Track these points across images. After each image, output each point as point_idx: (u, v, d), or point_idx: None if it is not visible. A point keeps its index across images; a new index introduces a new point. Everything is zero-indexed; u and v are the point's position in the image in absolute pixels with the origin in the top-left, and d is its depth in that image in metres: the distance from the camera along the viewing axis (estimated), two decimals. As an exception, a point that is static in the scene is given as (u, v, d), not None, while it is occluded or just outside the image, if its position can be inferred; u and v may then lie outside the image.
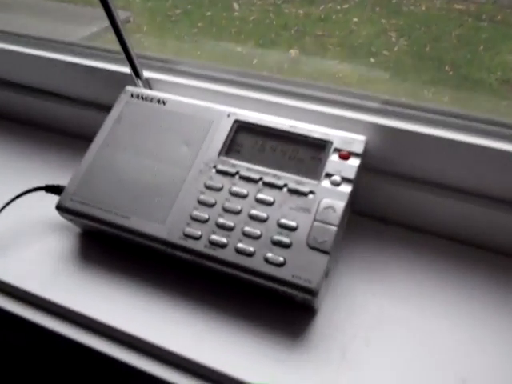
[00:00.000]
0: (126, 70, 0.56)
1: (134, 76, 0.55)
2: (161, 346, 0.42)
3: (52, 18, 0.91)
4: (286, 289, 0.40)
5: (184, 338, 0.42)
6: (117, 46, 0.52)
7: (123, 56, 0.53)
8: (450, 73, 0.69)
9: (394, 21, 0.79)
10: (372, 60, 0.77)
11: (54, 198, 0.51)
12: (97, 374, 0.52)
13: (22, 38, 0.65)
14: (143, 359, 0.43)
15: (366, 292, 0.45)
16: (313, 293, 0.39)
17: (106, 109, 0.58)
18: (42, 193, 0.52)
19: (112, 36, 0.52)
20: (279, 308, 0.43)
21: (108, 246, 0.50)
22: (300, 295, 0.40)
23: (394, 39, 0.77)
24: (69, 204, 0.47)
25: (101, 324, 0.44)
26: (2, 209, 0.50)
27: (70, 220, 0.49)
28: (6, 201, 0.51)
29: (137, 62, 0.54)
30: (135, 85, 0.56)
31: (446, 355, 0.40)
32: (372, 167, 0.49)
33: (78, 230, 0.52)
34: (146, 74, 0.56)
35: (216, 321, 0.43)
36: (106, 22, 0.51)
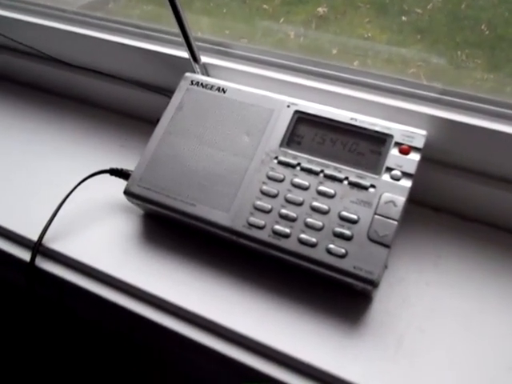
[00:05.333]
0: (182, 54, 0.57)
1: (192, 61, 0.56)
2: (223, 325, 0.45)
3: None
4: (347, 279, 0.42)
5: (246, 319, 0.45)
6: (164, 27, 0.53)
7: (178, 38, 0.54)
8: (486, 32, 0.67)
9: (430, -25, 0.76)
10: (404, 18, 0.75)
11: (117, 180, 0.54)
12: (156, 346, 0.56)
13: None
14: (207, 336, 0.46)
15: (419, 281, 0.47)
16: (374, 284, 0.41)
17: (162, 90, 0.60)
18: (107, 175, 0.55)
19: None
20: (336, 294, 0.46)
21: (169, 228, 0.52)
22: (361, 285, 0.42)
23: (428, -4, 0.75)
24: (136, 189, 0.50)
25: (162, 300, 0.47)
26: (71, 191, 0.53)
27: (137, 204, 0.52)
28: (72, 183, 0.53)
29: (195, 46, 0.55)
30: (192, 69, 0.57)
31: (499, 344, 0.42)
32: (428, 157, 0.50)
33: (140, 211, 0.55)
34: (203, 59, 0.57)
35: (276, 304, 0.46)
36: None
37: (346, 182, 0.45)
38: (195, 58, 0.56)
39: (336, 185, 0.45)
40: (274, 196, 0.46)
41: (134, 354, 0.64)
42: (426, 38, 0.69)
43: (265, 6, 0.89)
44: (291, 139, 0.48)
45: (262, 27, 0.81)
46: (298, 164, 0.47)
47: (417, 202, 0.53)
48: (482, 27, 0.66)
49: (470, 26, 0.67)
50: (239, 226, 0.46)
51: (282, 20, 0.83)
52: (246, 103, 0.51)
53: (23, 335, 0.72)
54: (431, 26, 0.71)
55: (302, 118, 0.49)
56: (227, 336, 0.45)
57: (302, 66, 0.55)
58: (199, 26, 0.61)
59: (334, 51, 0.68)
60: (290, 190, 0.46)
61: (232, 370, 0.45)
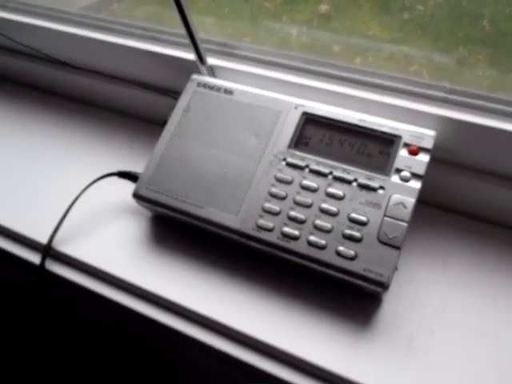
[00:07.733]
0: (188, 55, 0.57)
1: (198, 62, 0.56)
2: (233, 327, 0.45)
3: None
4: (357, 281, 0.42)
5: (255, 321, 0.45)
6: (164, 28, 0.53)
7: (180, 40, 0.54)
8: (488, 28, 0.66)
9: (433, -29, 0.76)
10: (405, 16, 0.75)
11: (125, 183, 0.54)
12: (166, 348, 0.57)
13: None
14: (217, 338, 0.46)
15: (428, 281, 0.47)
16: (384, 286, 0.41)
17: (169, 92, 0.60)
18: (115, 177, 0.55)
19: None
20: (345, 295, 0.46)
21: (177, 230, 0.52)
22: (371, 288, 0.42)
23: (430, -8, 0.75)
24: (144, 192, 0.50)
25: (171, 302, 0.47)
26: (80, 194, 0.53)
27: (145, 207, 0.52)
28: (81, 185, 0.54)
29: (201, 47, 0.55)
30: (198, 71, 0.57)
31: (511, 343, 0.42)
32: (437, 158, 0.50)
33: (149, 214, 0.55)
34: (210, 60, 0.57)
35: (285, 306, 0.46)
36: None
37: (354, 184, 0.45)
38: (202, 60, 0.56)
39: (345, 186, 0.45)
40: (283, 198, 0.46)
41: (143, 356, 0.64)
42: (428, 34, 0.69)
43: (267, 4, 0.89)
44: (299, 141, 0.48)
45: (265, 26, 0.81)
46: (307, 166, 0.47)
47: (425, 202, 0.53)
48: (484, 23, 0.66)
49: (471, 22, 0.67)
50: (248, 229, 0.46)
51: (284, 19, 0.83)
52: (253, 105, 0.51)
53: (33, 337, 0.73)
54: (433, 22, 0.70)
55: (309, 120, 0.49)
56: (237, 338, 0.45)
57: (309, 66, 0.55)
58: (201, 26, 0.61)
59: (337, 49, 0.67)
60: (298, 192, 0.46)
61: (242, 372, 0.46)
